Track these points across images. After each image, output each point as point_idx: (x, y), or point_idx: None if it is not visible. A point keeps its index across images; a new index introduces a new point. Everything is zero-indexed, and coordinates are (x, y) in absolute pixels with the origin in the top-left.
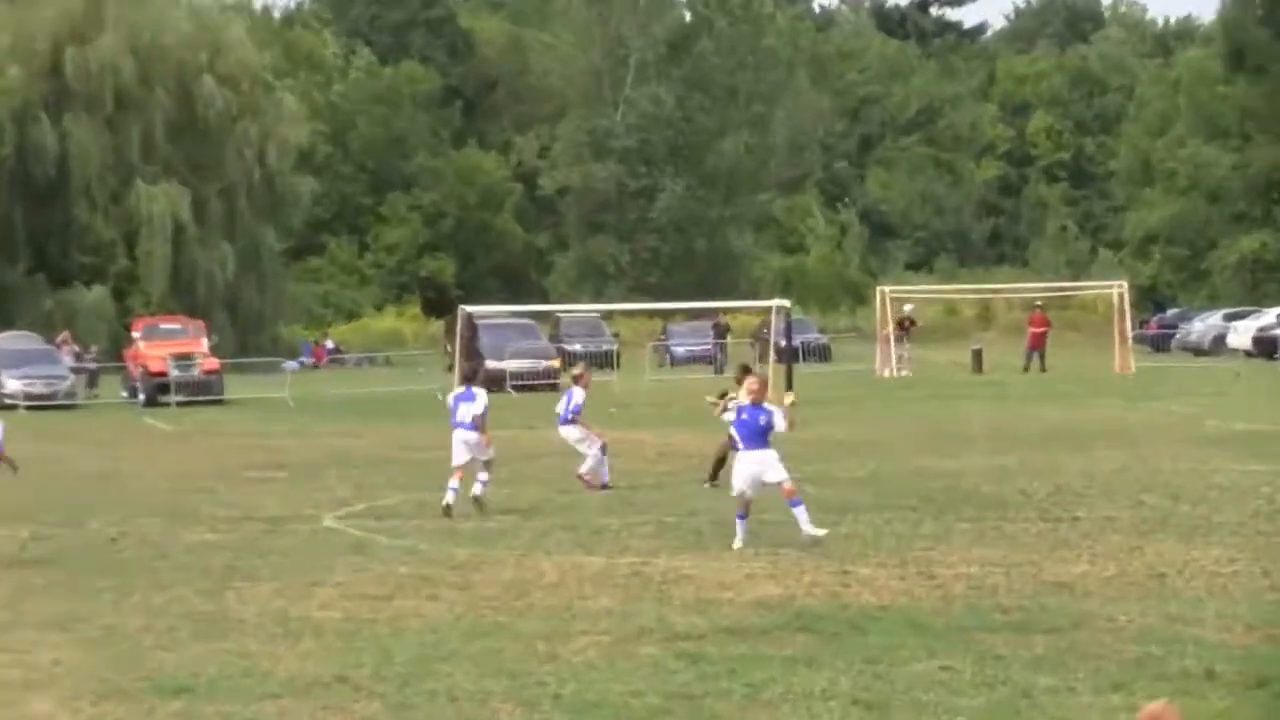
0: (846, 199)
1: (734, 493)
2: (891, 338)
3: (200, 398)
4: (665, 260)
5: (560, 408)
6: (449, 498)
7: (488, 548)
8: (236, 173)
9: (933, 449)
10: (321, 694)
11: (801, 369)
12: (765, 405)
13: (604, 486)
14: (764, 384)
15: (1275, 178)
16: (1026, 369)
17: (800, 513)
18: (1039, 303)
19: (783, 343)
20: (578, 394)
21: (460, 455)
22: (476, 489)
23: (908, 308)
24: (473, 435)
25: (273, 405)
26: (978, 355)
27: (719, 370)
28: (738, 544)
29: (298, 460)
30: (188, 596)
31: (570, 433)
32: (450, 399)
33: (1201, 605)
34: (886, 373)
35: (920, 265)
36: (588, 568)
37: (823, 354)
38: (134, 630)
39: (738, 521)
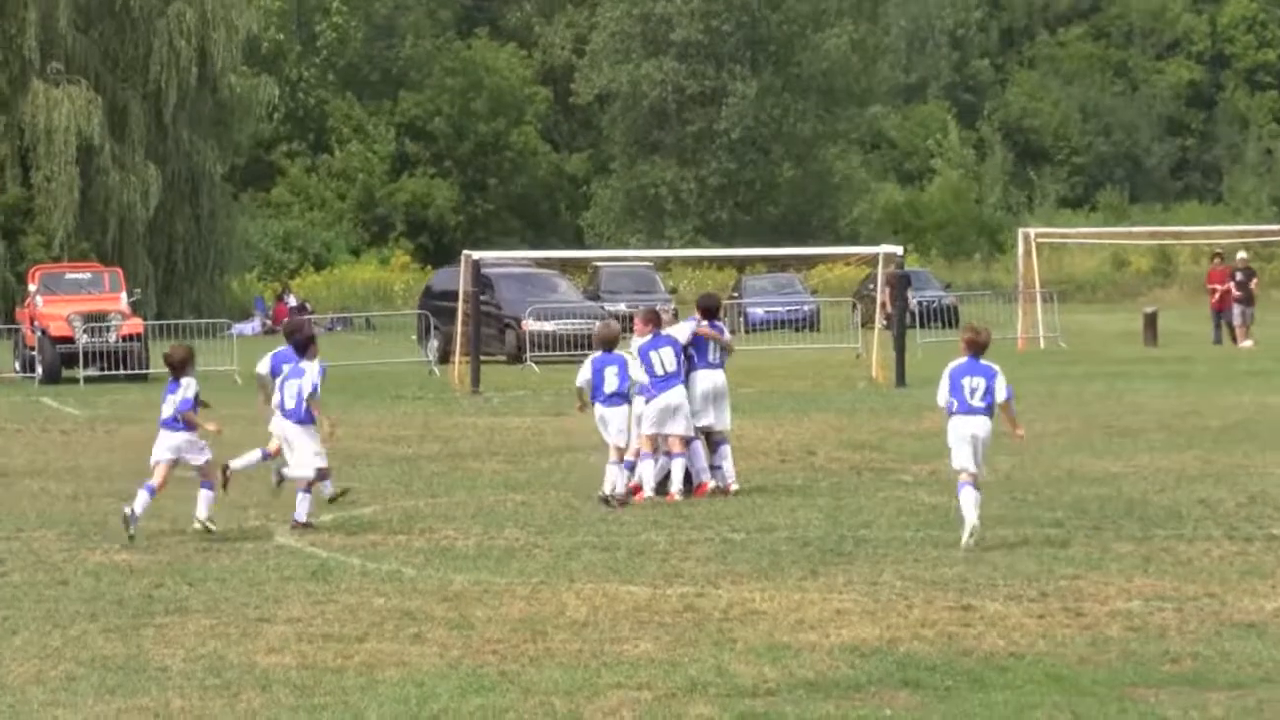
0: (983, 113)
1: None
2: (1233, 294)
3: (118, 371)
4: (741, 191)
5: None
6: None
7: (493, 573)
8: (167, 72)
9: (1088, 445)
10: None
11: (919, 338)
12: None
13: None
14: None
15: None
16: (1219, 340)
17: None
18: (1219, 252)
19: (891, 305)
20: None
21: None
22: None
23: (1241, 254)
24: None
25: (215, 382)
26: (1152, 320)
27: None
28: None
29: None
30: (93, 635)
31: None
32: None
33: None
34: (1246, 343)
35: (1079, 201)
36: (625, 600)
37: (947, 318)
38: (20, 680)
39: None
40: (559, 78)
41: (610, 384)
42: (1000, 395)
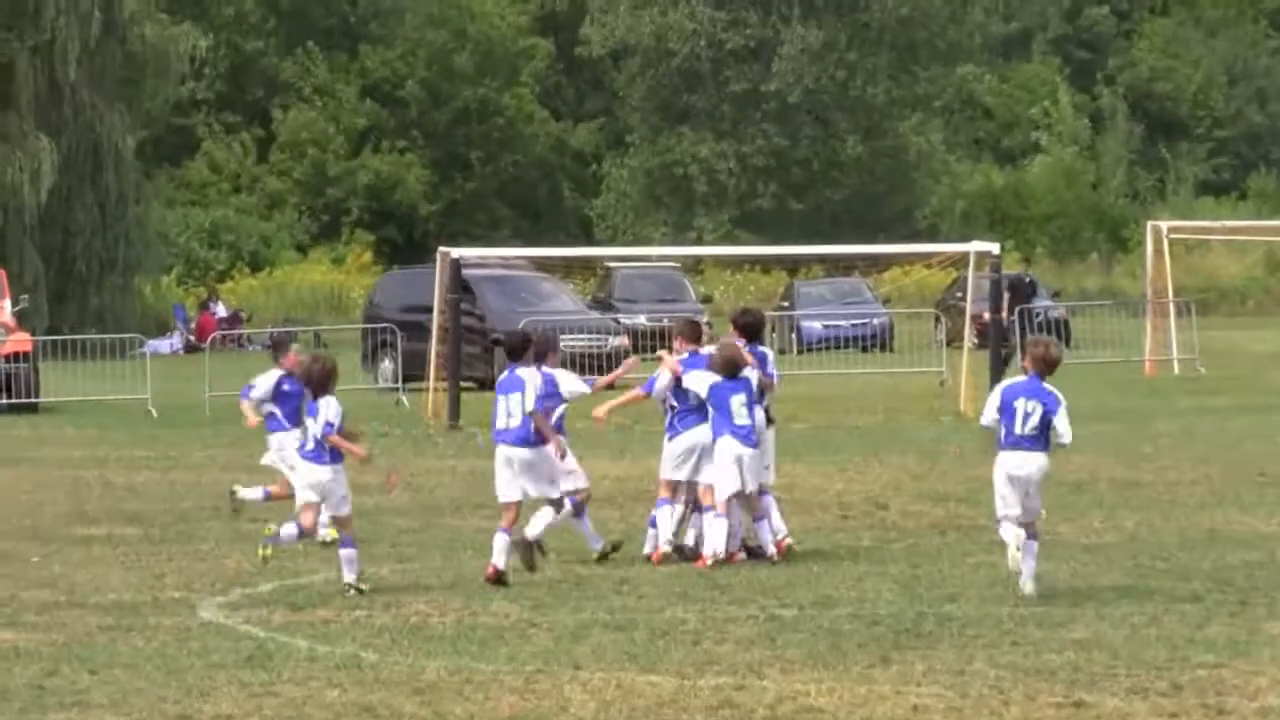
0: (1103, 74)
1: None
2: None
3: (0, 400)
4: (792, 172)
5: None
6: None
7: (476, 659)
8: (65, 20)
9: (1234, 498)
10: None
11: (1019, 361)
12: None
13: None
14: None
15: None
16: None
17: None
18: None
19: (987, 315)
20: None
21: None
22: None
23: None
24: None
25: (123, 414)
26: None
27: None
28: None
29: (161, 508)
30: None
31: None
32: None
33: None
34: None
35: (1225, 187)
36: (645, 694)
37: (1057, 334)
38: None
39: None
40: (562, 26)
41: (740, 416)
42: (1063, 436)
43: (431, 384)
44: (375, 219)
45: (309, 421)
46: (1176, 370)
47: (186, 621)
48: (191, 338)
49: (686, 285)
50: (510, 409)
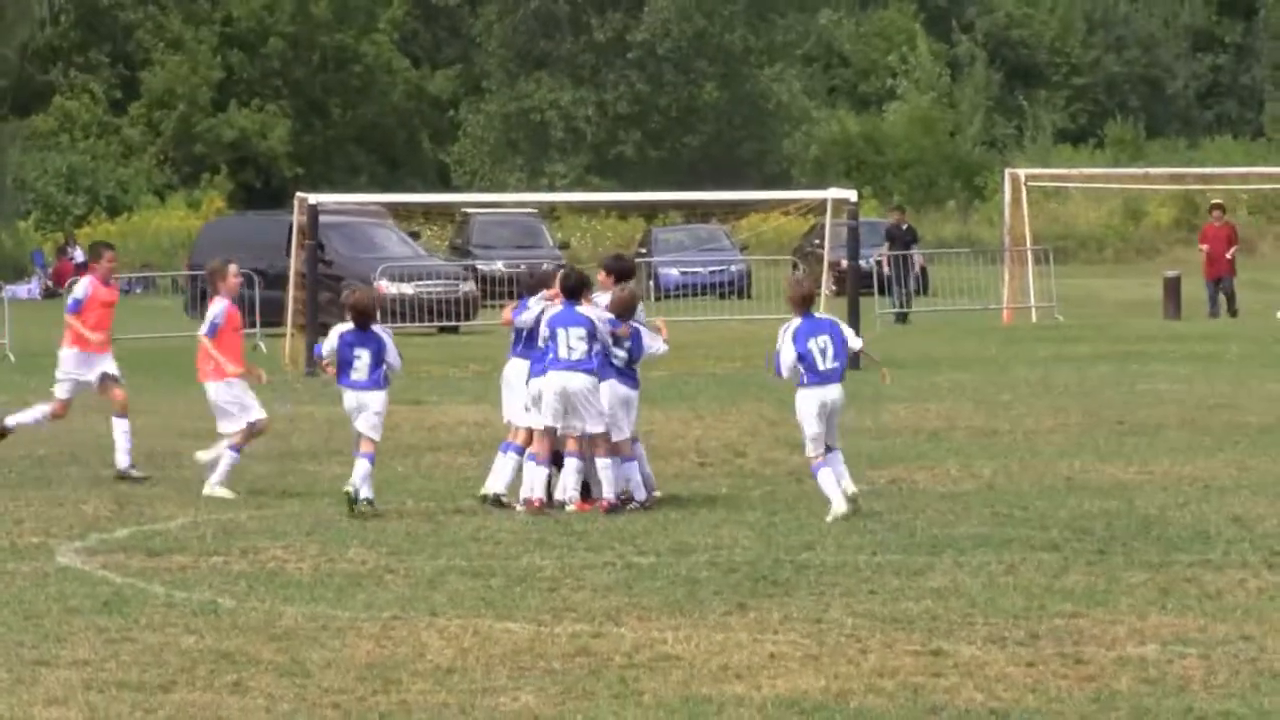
0: (960, 21)
1: None
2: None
3: None
4: (651, 119)
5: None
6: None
7: (333, 605)
8: None
9: (1092, 446)
10: None
11: (876, 308)
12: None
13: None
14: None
15: None
16: (1233, 312)
17: None
18: (1218, 202)
19: (845, 262)
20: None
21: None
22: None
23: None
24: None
25: None
26: (1174, 287)
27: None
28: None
29: (19, 453)
30: None
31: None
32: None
33: None
34: None
35: (1083, 135)
36: (501, 640)
37: (915, 283)
38: None
39: None
40: None
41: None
42: (854, 343)
43: (289, 330)
44: (235, 165)
45: (360, 354)
46: (1034, 318)
47: (44, 567)
48: (50, 283)
49: (544, 231)
50: (572, 342)
